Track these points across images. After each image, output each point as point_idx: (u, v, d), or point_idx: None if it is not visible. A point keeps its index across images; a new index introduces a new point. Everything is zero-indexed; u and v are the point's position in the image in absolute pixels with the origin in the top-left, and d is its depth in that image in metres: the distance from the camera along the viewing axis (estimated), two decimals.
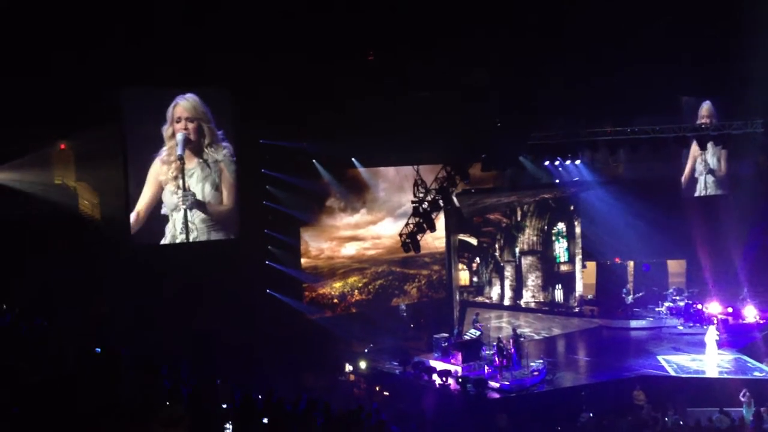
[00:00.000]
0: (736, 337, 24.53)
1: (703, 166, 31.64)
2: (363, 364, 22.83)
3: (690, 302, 27.25)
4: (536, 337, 26.80)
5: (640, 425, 18.36)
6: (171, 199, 21.48)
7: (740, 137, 24.44)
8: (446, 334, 23.73)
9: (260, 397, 13.09)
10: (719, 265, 28.99)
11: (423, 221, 22.08)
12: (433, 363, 22.44)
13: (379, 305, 26.47)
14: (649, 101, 26.66)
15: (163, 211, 21.37)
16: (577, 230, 29.51)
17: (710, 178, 32.02)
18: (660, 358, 23.19)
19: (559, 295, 29.57)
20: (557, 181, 28.79)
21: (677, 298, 28.01)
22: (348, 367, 23.07)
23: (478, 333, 23.20)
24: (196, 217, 21.89)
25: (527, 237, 29.91)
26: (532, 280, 29.75)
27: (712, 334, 22.75)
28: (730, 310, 25.98)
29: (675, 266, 31.10)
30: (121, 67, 19.10)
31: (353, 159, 25.07)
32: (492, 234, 29.92)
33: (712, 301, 26.47)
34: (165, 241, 21.44)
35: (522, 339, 22.94)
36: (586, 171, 28.51)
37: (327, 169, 24.67)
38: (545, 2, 22.09)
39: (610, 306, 28.72)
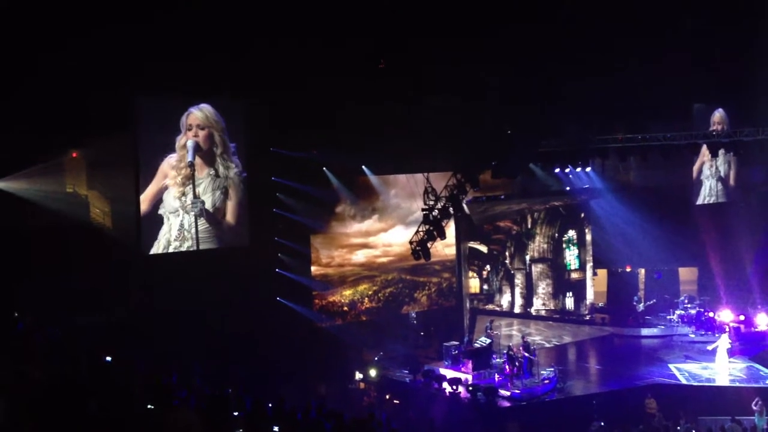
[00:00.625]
0: (748, 345, 24.41)
1: (711, 172, 31.52)
2: (373, 372, 22.81)
3: (702, 310, 27.14)
4: (547, 345, 26.74)
5: None
6: (173, 202, 21.39)
7: (751, 144, 24.34)
8: (456, 342, 23.70)
9: (271, 404, 13.10)
10: (731, 272, 28.89)
11: (433, 229, 22.05)
12: (443, 371, 22.43)
13: (389, 313, 26.43)
14: (660, 108, 26.60)
15: (160, 211, 21.26)
16: (588, 237, 29.44)
17: (718, 185, 31.89)
18: (671, 366, 23.10)
19: (569, 302, 29.48)
20: (568, 188, 28.75)
21: (689, 305, 27.92)
22: (358, 375, 23.05)
23: (489, 341, 23.16)
24: (200, 225, 21.87)
25: (538, 244, 29.85)
26: (543, 287, 29.68)
27: (724, 342, 22.65)
28: (742, 317, 25.85)
29: (686, 274, 31.01)
30: (134, 76, 19.17)
31: (363, 167, 25.08)
32: (502, 241, 29.88)
33: (724, 308, 26.35)
34: (159, 245, 21.26)
35: (532, 347, 22.87)
36: (596, 178, 28.47)
37: (337, 177, 24.69)
38: (556, 9, 22.04)
39: (621, 314, 28.64)
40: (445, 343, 23.73)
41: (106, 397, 8.08)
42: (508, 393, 20.81)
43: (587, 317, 29.08)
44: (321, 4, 20.67)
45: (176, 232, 21.47)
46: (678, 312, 27.66)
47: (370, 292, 26.44)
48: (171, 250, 21.33)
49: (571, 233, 29.77)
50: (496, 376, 21.89)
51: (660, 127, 25.05)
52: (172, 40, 18.93)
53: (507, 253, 29.93)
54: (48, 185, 19.39)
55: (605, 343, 27.18)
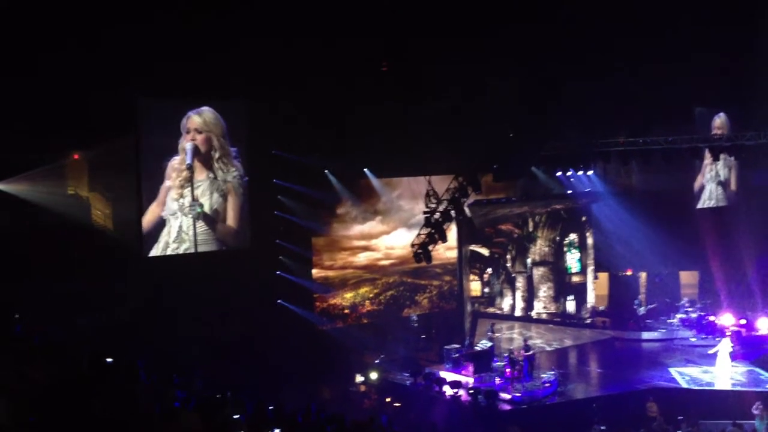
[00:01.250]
0: (749, 349, 24.38)
1: (711, 176, 31.49)
2: (374, 375, 22.83)
3: (703, 314, 27.14)
4: (548, 348, 26.73)
5: None
6: (172, 204, 21.35)
7: (753, 148, 24.34)
8: (457, 345, 23.71)
9: (271, 407, 13.10)
10: (732, 276, 28.87)
11: (435, 232, 22.05)
12: (444, 374, 22.43)
13: (390, 316, 26.40)
14: (662, 112, 26.61)
15: (163, 214, 21.29)
16: (589, 241, 29.43)
17: (719, 189, 31.87)
18: (672, 370, 23.08)
19: (570, 306, 29.45)
20: (569, 191, 28.76)
21: (690, 309, 27.91)
22: (359, 378, 23.05)
23: (490, 344, 23.16)
24: (198, 228, 21.84)
25: (539, 248, 29.83)
26: (544, 291, 29.64)
27: (725, 346, 22.62)
28: (743, 321, 25.82)
29: (688, 277, 30.97)
30: (137, 78, 19.19)
31: (365, 169, 25.08)
32: (504, 245, 29.84)
33: (725, 312, 26.33)
34: (158, 247, 21.21)
35: (533, 350, 22.85)
36: (598, 182, 28.48)
37: (339, 180, 24.69)
38: (558, 13, 22.06)
39: (622, 317, 28.62)
40: (446, 346, 23.74)
41: (107, 398, 8.07)
42: (508, 396, 20.80)
43: (588, 320, 29.05)
44: (323, 5, 20.69)
45: (175, 234, 21.45)
46: (679, 316, 27.66)
47: (371, 295, 26.42)
48: (169, 252, 21.30)
49: (573, 237, 29.75)
50: (497, 379, 21.88)
51: (662, 131, 25.06)
52: (174, 42, 18.96)
53: (508, 256, 29.89)
54: (49, 187, 19.37)
55: (606, 347, 27.16)
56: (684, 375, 22.48)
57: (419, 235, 22.29)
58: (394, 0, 21.53)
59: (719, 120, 30.50)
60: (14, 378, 8.64)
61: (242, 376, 18.69)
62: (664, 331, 27.52)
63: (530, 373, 21.93)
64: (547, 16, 21.97)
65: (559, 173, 26.88)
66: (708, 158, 28.02)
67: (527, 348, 22.67)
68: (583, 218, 29.41)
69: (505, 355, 22.33)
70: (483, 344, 23.54)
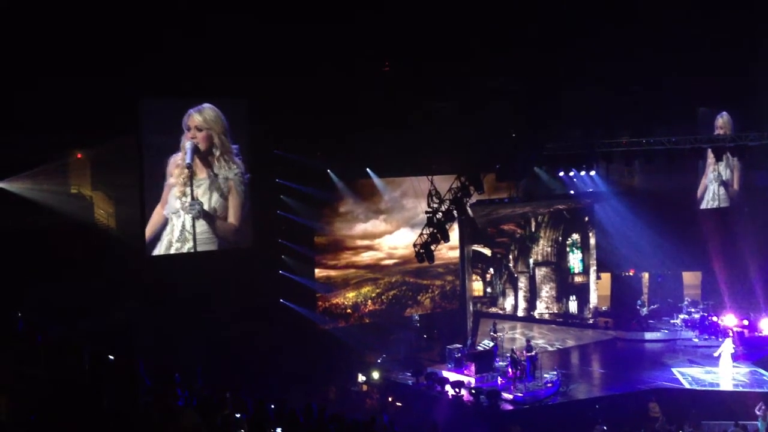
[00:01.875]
0: (751, 349, 24.38)
1: (714, 176, 31.46)
2: (376, 375, 22.84)
3: (705, 314, 27.11)
4: (550, 348, 26.73)
5: None
6: (174, 203, 21.38)
7: (756, 148, 24.31)
8: (459, 345, 23.73)
9: (273, 406, 13.10)
10: (735, 277, 28.85)
11: (437, 231, 22.04)
12: (446, 374, 22.44)
13: (393, 315, 26.42)
14: (665, 112, 26.59)
15: (165, 213, 21.30)
16: (592, 241, 29.40)
17: (721, 190, 31.83)
18: (675, 370, 23.08)
19: (573, 306, 29.42)
20: (572, 192, 28.75)
21: (692, 310, 27.90)
22: (361, 378, 23.07)
23: (492, 344, 23.17)
24: (199, 227, 21.85)
25: (541, 248, 29.81)
26: (546, 291, 29.63)
27: (727, 347, 22.61)
28: (745, 322, 25.80)
29: (690, 278, 30.97)
30: (140, 77, 19.20)
31: (368, 169, 25.08)
32: (506, 244, 29.83)
33: (728, 313, 26.30)
34: (161, 246, 21.24)
35: (535, 350, 22.84)
36: (601, 182, 28.44)
37: (342, 179, 24.69)
38: (562, 14, 22.05)
39: (624, 318, 28.62)
40: (448, 346, 23.77)
41: (108, 397, 8.07)
42: (510, 396, 20.80)
43: (590, 321, 29.02)
44: (326, 6, 20.70)
45: (177, 233, 21.46)
46: (681, 316, 27.63)
47: (373, 295, 26.42)
48: (173, 251, 21.32)
49: (575, 237, 29.72)
50: (499, 379, 21.90)
51: (664, 131, 25.04)
52: (176, 40, 18.97)
53: (510, 257, 29.88)
54: (52, 186, 19.42)
55: (608, 347, 27.16)
56: (686, 375, 22.46)
57: (421, 234, 22.28)
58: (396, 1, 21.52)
59: (722, 120, 30.47)
60: (16, 376, 8.65)
61: (244, 376, 18.69)
62: (666, 331, 27.52)
63: (532, 374, 21.93)
64: (550, 16, 21.96)
65: (561, 173, 26.85)
66: (711, 159, 28.02)
67: (529, 348, 22.67)
68: (586, 218, 29.38)
69: (508, 355, 22.32)
70: (485, 344, 23.55)
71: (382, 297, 26.60)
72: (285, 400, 13.45)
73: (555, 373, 22.16)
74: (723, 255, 28.85)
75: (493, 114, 23.73)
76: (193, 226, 21.64)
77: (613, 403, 20.55)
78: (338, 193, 24.90)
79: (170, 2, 18.94)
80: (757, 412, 18.56)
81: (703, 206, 31.13)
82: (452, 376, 22.09)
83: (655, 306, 29.45)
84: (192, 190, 21.61)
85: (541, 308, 29.52)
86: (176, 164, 21.32)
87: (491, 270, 29.77)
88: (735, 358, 22.79)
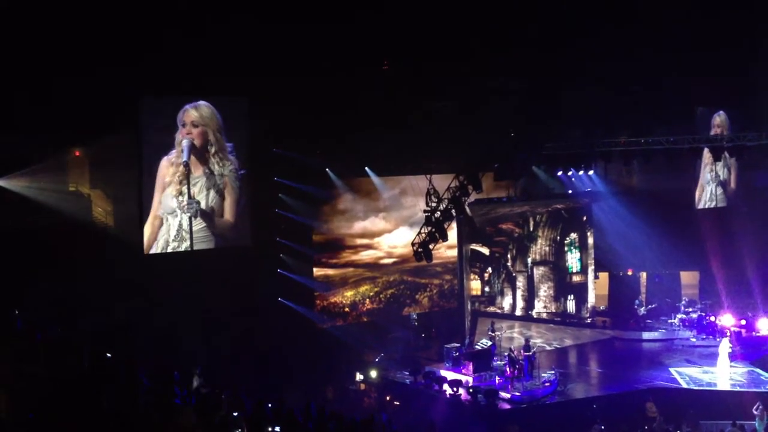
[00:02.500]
0: (749, 349, 24.41)
1: (711, 176, 31.49)
2: (374, 374, 22.85)
3: (703, 314, 27.14)
4: (548, 347, 26.74)
5: None
6: (170, 202, 21.26)
7: (755, 148, 24.33)
8: (457, 344, 23.75)
9: (271, 405, 13.12)
10: (732, 276, 28.87)
11: (435, 230, 22.04)
12: (444, 373, 22.45)
13: (391, 314, 26.41)
14: (664, 112, 26.60)
15: (159, 213, 21.20)
16: (590, 241, 29.42)
17: (719, 190, 31.86)
18: (672, 370, 23.11)
19: (571, 305, 29.45)
20: (570, 191, 28.77)
21: (690, 309, 27.91)
22: (359, 376, 23.06)
23: (490, 343, 23.18)
24: (196, 225, 21.80)
25: (539, 247, 29.84)
26: (544, 290, 29.66)
27: (725, 347, 22.64)
28: (743, 322, 25.85)
29: (688, 278, 31.00)
30: (140, 76, 19.17)
31: (366, 168, 25.08)
32: (504, 244, 29.85)
33: (726, 313, 26.34)
34: (157, 246, 21.17)
35: (533, 350, 22.86)
36: (599, 181, 28.48)
37: (340, 178, 24.68)
38: (562, 13, 22.07)
39: (622, 317, 28.65)
40: (446, 345, 23.79)
41: (107, 395, 8.09)
42: (508, 395, 20.81)
43: (588, 320, 29.06)
44: (326, 6, 20.71)
45: (174, 232, 21.42)
46: (679, 316, 27.64)
47: (371, 293, 26.41)
48: (169, 250, 21.29)
49: (573, 236, 29.74)
50: (497, 378, 21.89)
51: (663, 130, 25.06)
52: (177, 39, 18.96)
53: (509, 256, 29.92)
54: (50, 184, 19.37)
55: (606, 347, 27.18)
56: (684, 375, 22.49)
57: (420, 233, 22.28)
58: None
59: (719, 118, 30.48)
60: (15, 375, 8.67)
61: (242, 374, 18.71)
62: (664, 331, 27.54)
63: (530, 373, 21.93)
64: (549, 16, 21.98)
65: (560, 173, 26.90)
66: (708, 158, 28.04)
67: (527, 347, 22.67)
68: (584, 218, 29.40)
69: (505, 354, 22.31)
70: (483, 343, 23.56)
71: (381, 296, 26.60)
72: (283, 399, 13.47)
73: (553, 372, 22.18)
74: (721, 255, 28.88)
75: (492, 114, 23.73)
76: (190, 224, 21.60)
77: (610, 403, 20.55)
78: (337, 192, 24.89)
79: (170, 2, 18.92)
80: (755, 412, 18.62)
81: (700, 206, 31.15)
82: (450, 375, 22.09)
83: (653, 305, 29.47)
84: (189, 189, 21.55)
85: (539, 307, 29.55)
86: (170, 163, 21.21)
87: (489, 269, 29.80)
88: (732, 357, 22.82)
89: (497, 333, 24.32)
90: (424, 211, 22.21)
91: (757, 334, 25.55)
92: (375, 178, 25.48)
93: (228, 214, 22.33)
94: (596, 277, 29.58)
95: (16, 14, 16.81)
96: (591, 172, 27.16)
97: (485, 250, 29.36)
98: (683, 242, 28.06)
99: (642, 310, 28.74)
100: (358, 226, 25.88)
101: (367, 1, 21.43)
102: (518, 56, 22.75)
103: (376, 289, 26.52)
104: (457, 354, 23.02)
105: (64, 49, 17.61)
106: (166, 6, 18.59)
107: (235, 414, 11.67)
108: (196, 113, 21.54)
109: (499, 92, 24.05)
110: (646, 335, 27.36)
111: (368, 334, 24.85)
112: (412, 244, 22.39)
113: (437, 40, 21.89)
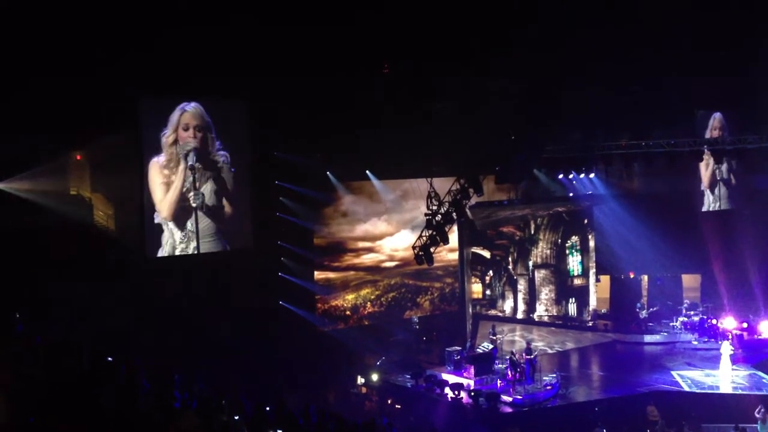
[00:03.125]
0: (751, 352, 24.37)
1: (713, 179, 31.46)
2: (375, 377, 22.82)
3: (705, 317, 27.09)
4: (549, 351, 26.71)
5: None
6: (173, 204, 21.27)
7: (756, 151, 24.31)
8: (459, 347, 23.72)
9: (271, 408, 13.07)
10: (734, 279, 28.84)
11: (436, 234, 22.02)
12: (445, 376, 22.43)
13: (392, 318, 26.41)
14: (665, 113, 26.58)
15: (157, 220, 21.10)
16: (591, 244, 29.40)
17: (720, 193, 31.84)
18: (674, 373, 23.07)
19: (572, 308, 29.43)
20: (571, 194, 28.77)
21: (692, 312, 27.87)
22: (360, 380, 23.05)
23: (491, 346, 23.15)
24: (201, 224, 21.77)
25: (541, 250, 29.81)
26: (546, 293, 29.63)
27: (726, 350, 22.61)
28: (745, 325, 25.79)
29: (689, 281, 30.95)
30: (140, 77, 19.16)
31: (367, 171, 25.07)
32: (505, 247, 29.83)
33: (727, 316, 26.29)
34: (163, 249, 21.20)
35: (535, 353, 22.83)
36: (600, 184, 28.47)
37: (341, 181, 24.68)
38: (562, 13, 22.06)
39: (623, 320, 28.61)
40: (447, 348, 23.75)
41: (108, 398, 8.07)
42: (510, 399, 20.78)
43: (590, 323, 29.02)
44: (326, 7, 20.70)
45: (180, 234, 21.41)
46: (681, 319, 27.61)
47: (372, 297, 26.41)
48: (177, 252, 21.31)
49: (574, 239, 29.72)
50: (498, 381, 21.87)
51: (664, 133, 25.05)
52: (177, 41, 18.96)
53: (510, 259, 29.89)
54: (51, 187, 19.32)
55: (608, 350, 27.14)
56: (685, 378, 22.45)
57: (421, 236, 22.26)
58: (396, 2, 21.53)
59: (716, 120, 30.48)
60: (14, 377, 8.64)
61: (244, 377, 18.67)
62: (665, 334, 27.51)
63: (531, 376, 21.89)
64: (548, 17, 21.96)
65: (561, 176, 26.88)
66: (710, 161, 28.01)
67: (529, 350, 22.64)
68: (585, 221, 29.38)
69: (507, 357, 22.29)
70: (484, 347, 23.53)
71: (382, 299, 26.60)
72: (284, 402, 13.42)
73: (554, 375, 22.13)
74: (722, 258, 28.87)
75: (492, 115, 23.72)
76: (196, 224, 21.60)
77: (612, 406, 20.51)
78: (338, 195, 24.89)
79: (170, 2, 18.92)
80: (757, 415, 18.57)
81: (703, 209, 31.14)
82: (451, 379, 22.06)
83: (655, 308, 29.42)
84: (195, 187, 21.53)
85: (541, 311, 29.52)
86: (162, 165, 21.09)
87: (490, 272, 29.77)
88: (734, 360, 22.78)
89: (498, 336, 24.30)
90: (425, 214, 22.17)
91: (759, 337, 25.51)
92: (376, 182, 25.47)
93: (227, 206, 22.30)
94: (597, 280, 29.56)
95: (15, 15, 16.79)
96: (592, 175, 27.14)
97: (486, 253, 29.34)
98: (685, 245, 28.03)
99: (643, 313, 28.69)
100: (360, 229, 25.89)
101: (367, 2, 21.40)
102: (519, 57, 22.72)
103: (377, 292, 26.53)
104: (459, 357, 22.98)
105: (64, 50, 17.61)
106: (166, 6, 18.58)
107: (236, 417, 11.64)
108: (196, 114, 21.54)
109: (500, 94, 24.03)
110: (647, 338, 27.34)
111: (369, 337, 24.84)
112: (413, 248, 22.36)
113: (437, 41, 21.87)
